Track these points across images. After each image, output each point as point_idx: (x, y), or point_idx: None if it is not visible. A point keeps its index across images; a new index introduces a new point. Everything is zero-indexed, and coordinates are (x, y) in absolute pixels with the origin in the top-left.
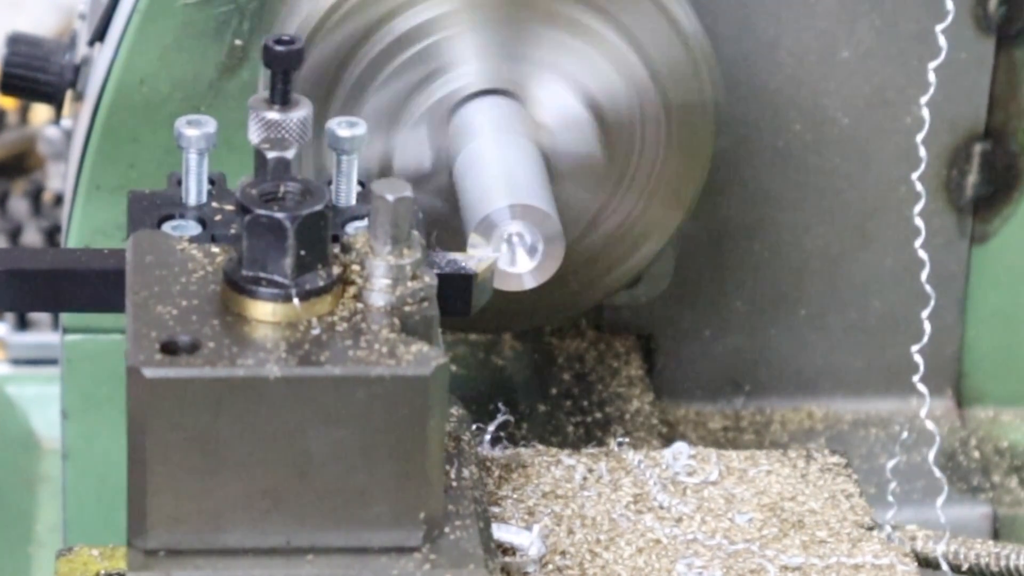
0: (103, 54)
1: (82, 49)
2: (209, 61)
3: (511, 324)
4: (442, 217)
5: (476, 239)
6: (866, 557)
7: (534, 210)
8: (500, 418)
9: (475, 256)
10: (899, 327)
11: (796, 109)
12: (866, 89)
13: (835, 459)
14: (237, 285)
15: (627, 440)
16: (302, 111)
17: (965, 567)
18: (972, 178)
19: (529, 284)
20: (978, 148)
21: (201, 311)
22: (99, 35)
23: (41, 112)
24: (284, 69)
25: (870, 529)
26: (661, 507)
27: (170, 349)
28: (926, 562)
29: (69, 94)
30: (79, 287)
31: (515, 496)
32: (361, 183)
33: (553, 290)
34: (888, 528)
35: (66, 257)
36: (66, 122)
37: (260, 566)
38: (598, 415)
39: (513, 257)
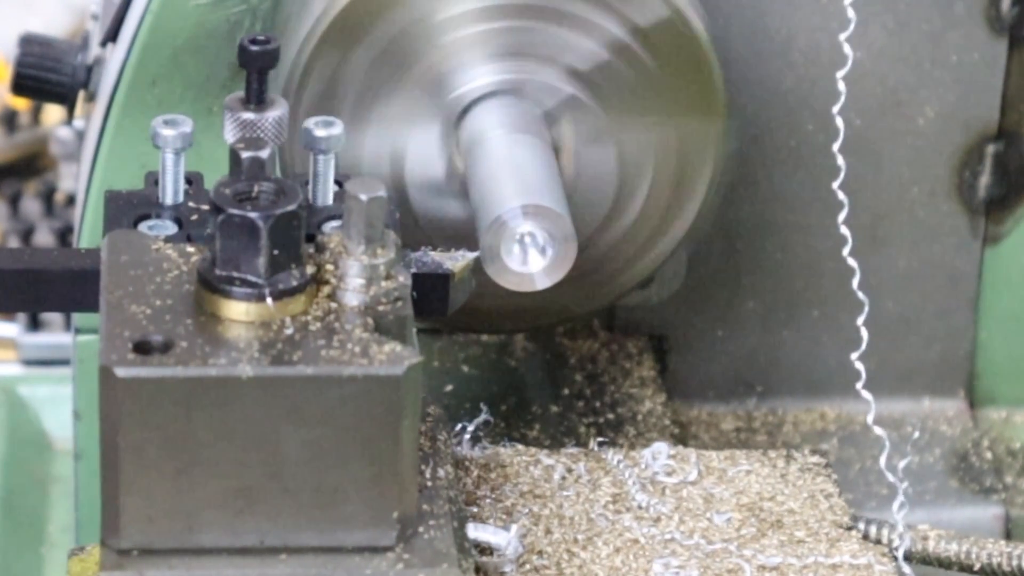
0: (115, 55)
1: (94, 50)
2: (222, 62)
3: (523, 324)
4: (454, 218)
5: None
6: (844, 557)
7: (546, 210)
8: (481, 418)
9: (454, 255)
10: (911, 328)
11: (808, 110)
12: (878, 90)
13: (815, 459)
14: (211, 285)
15: (606, 440)
16: (277, 111)
17: (977, 567)
18: (984, 179)
19: (541, 284)
20: (991, 149)
21: (175, 311)
22: (111, 36)
23: (53, 113)
24: (259, 69)
25: (848, 529)
26: (640, 507)
27: (143, 348)
28: (938, 562)
29: (81, 95)
30: (55, 287)
31: (493, 496)
32: (338, 183)
33: (565, 290)
34: (900, 528)
35: (42, 257)
36: (78, 123)
37: (233, 565)
38: (610, 416)
39: (525, 257)
